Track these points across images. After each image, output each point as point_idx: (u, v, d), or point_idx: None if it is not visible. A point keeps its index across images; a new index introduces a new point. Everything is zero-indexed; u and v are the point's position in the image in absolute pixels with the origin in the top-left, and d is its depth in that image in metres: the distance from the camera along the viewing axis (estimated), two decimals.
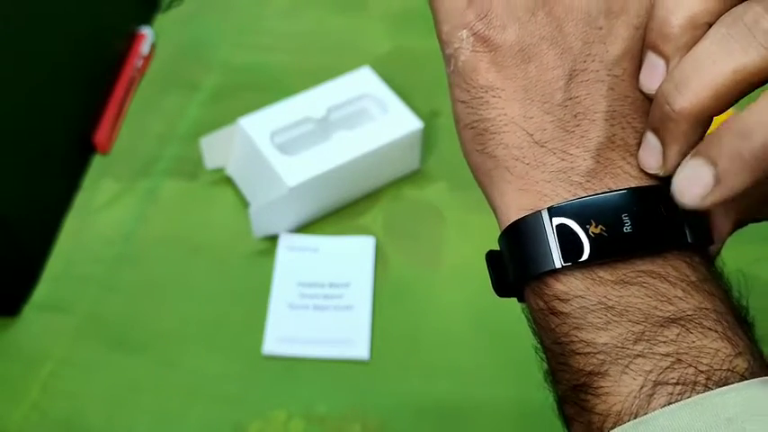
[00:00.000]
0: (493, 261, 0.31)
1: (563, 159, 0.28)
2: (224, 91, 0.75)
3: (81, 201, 0.67)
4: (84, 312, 0.60)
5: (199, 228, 0.65)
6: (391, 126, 0.64)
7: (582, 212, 0.27)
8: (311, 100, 0.66)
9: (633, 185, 0.27)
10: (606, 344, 0.26)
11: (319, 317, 0.58)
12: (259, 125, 0.64)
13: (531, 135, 0.28)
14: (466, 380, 0.55)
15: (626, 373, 0.25)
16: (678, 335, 0.25)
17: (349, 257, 0.61)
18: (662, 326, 0.25)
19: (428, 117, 0.68)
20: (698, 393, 0.24)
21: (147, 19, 0.81)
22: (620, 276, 0.26)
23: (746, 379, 0.24)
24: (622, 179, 0.27)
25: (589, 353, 0.26)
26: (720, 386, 0.24)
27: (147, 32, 0.78)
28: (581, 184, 0.27)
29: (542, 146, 0.28)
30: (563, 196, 0.27)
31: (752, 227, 0.30)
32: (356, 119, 0.66)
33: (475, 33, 0.30)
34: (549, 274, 0.27)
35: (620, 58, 0.28)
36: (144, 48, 0.77)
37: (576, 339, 0.26)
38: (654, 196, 0.27)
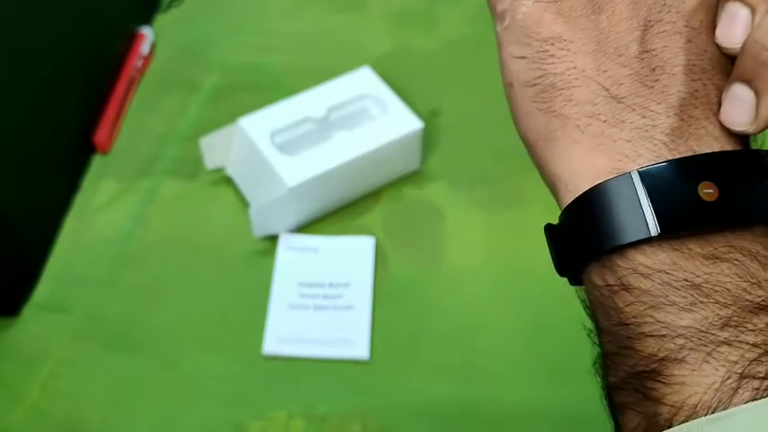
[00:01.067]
0: (554, 235, 0.28)
1: (644, 116, 0.25)
2: (224, 91, 0.75)
3: (81, 201, 0.67)
4: (84, 312, 0.60)
5: (199, 228, 0.65)
6: (391, 126, 0.64)
7: (674, 176, 0.24)
8: (311, 100, 0.66)
9: (717, 148, 0.25)
10: (688, 327, 0.23)
11: (319, 317, 0.58)
12: (259, 125, 0.64)
13: (608, 89, 0.26)
14: (466, 379, 0.55)
15: (708, 362, 0.23)
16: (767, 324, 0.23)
17: (349, 257, 0.61)
18: (751, 312, 0.23)
19: (428, 117, 0.68)
20: None
21: (147, 19, 0.81)
22: (710, 250, 0.24)
23: None
24: (705, 141, 0.25)
25: (665, 335, 0.23)
26: None
27: (147, 32, 0.78)
28: (666, 144, 0.25)
29: (620, 101, 0.26)
30: (646, 157, 0.25)
31: None
32: (356, 119, 0.66)
33: None
34: (630, 245, 0.24)
35: (697, 8, 0.27)
36: (144, 48, 0.77)
37: (652, 320, 0.24)
38: (745, 161, 0.25)
